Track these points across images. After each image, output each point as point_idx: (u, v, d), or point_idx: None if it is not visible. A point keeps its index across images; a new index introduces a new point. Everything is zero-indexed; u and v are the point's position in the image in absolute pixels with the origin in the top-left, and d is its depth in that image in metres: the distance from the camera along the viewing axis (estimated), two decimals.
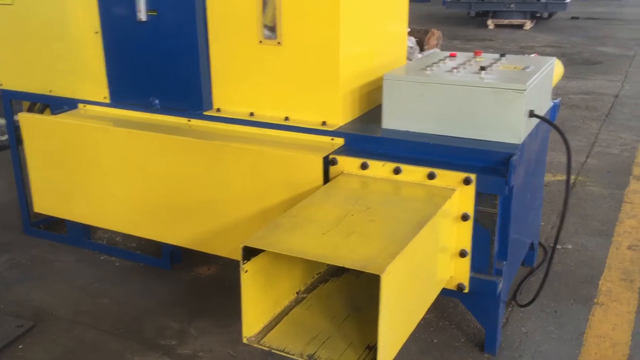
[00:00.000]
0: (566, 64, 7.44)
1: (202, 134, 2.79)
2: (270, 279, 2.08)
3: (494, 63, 2.69)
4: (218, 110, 2.88)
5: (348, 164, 2.46)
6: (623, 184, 4.29)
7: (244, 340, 2.01)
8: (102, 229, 3.45)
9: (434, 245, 2.20)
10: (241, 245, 1.91)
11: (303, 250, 1.89)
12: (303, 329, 2.08)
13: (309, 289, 2.31)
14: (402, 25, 3.13)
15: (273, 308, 2.13)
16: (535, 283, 2.89)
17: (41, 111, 3.49)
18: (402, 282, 1.92)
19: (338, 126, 2.64)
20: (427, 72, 2.55)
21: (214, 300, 2.97)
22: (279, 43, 2.65)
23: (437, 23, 12.22)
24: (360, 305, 2.24)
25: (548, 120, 2.55)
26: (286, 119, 2.73)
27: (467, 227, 2.34)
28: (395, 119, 2.55)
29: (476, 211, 2.32)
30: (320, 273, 2.38)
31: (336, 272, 2.40)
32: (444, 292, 2.42)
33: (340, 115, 2.64)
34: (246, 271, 1.94)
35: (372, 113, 2.81)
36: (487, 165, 2.31)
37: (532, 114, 2.42)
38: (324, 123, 2.65)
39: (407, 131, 2.53)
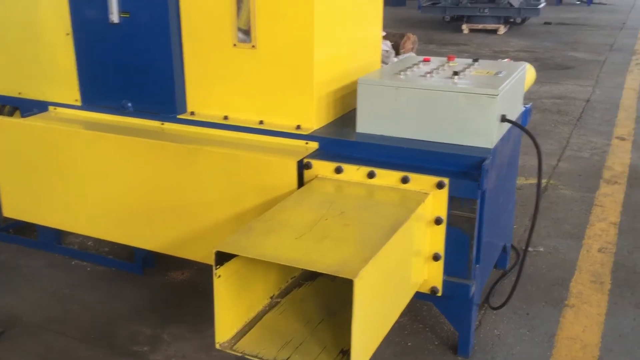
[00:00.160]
0: (539, 69, 7.55)
1: (176, 138, 2.76)
2: (243, 284, 2.06)
3: (467, 68, 2.72)
4: (192, 113, 2.86)
5: (322, 168, 2.46)
6: (593, 187, 4.37)
7: (217, 346, 2.00)
8: (73, 233, 3.40)
9: (407, 249, 2.21)
10: (214, 250, 1.89)
11: (276, 254, 1.89)
12: (277, 334, 2.07)
13: (283, 293, 2.30)
14: (376, 29, 3.14)
15: (246, 313, 2.12)
16: (508, 285, 2.92)
17: (10, 114, 3.42)
18: (376, 286, 1.92)
19: (312, 130, 2.64)
20: (401, 76, 2.57)
21: (188, 305, 2.94)
22: (253, 46, 2.64)
23: (413, 27, 12.31)
24: (334, 309, 2.24)
25: (519, 125, 2.58)
26: (260, 122, 2.72)
27: (441, 230, 2.35)
28: (370, 123, 2.56)
29: (450, 215, 2.33)
30: (294, 277, 2.37)
31: (311, 276, 2.39)
32: (418, 295, 2.43)
33: (315, 119, 2.64)
34: (219, 276, 1.93)
35: (346, 117, 2.81)
36: (460, 169, 2.33)
37: (504, 119, 2.45)
38: (298, 127, 2.65)
39: (382, 135, 2.53)
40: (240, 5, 2.60)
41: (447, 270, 2.41)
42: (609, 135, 5.59)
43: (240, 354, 1.98)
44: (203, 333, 2.70)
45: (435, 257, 2.38)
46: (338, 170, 2.44)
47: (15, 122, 3.09)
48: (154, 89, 2.85)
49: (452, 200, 2.31)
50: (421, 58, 2.94)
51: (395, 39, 7.28)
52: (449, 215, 2.33)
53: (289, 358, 1.96)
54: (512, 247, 3.42)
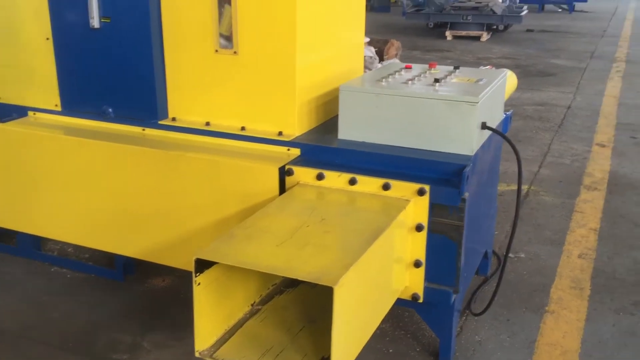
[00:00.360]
0: (521, 76, 7.64)
1: (157, 144, 2.74)
2: (224, 291, 2.05)
3: (448, 75, 2.73)
4: (173, 119, 2.85)
5: (304, 174, 2.46)
6: (574, 194, 4.41)
7: (197, 354, 1.98)
8: (53, 240, 3.36)
9: (388, 256, 2.22)
10: (193, 258, 1.88)
11: (256, 262, 1.88)
12: (257, 342, 2.06)
13: (264, 301, 2.29)
14: (359, 36, 3.15)
15: (227, 320, 2.11)
16: (489, 292, 2.93)
17: None
18: (356, 293, 1.92)
19: (294, 136, 2.63)
20: (383, 83, 2.57)
21: (169, 312, 2.92)
22: (235, 52, 2.63)
23: (397, 33, 12.38)
24: (315, 316, 2.23)
25: (499, 132, 2.60)
26: (242, 128, 2.71)
27: (422, 237, 2.36)
28: (351, 129, 2.56)
29: (436, 223, 2.34)
30: (275, 284, 2.37)
31: (292, 283, 2.38)
32: (399, 302, 2.44)
33: (297, 125, 2.64)
34: (199, 284, 1.92)
35: (328, 123, 2.82)
36: (441, 176, 2.34)
37: (484, 126, 2.46)
38: (280, 133, 2.65)
39: (363, 142, 2.54)
40: (222, 11, 2.60)
41: (431, 277, 2.41)
42: (590, 142, 5.65)
43: None
44: (183, 341, 2.68)
45: (417, 264, 2.39)
46: (320, 177, 2.43)
47: None
48: (135, 94, 2.83)
49: (440, 208, 2.31)
50: (403, 65, 2.96)
51: (379, 45, 7.32)
52: (432, 223, 2.34)
53: None
54: (494, 253, 3.44)
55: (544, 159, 5.19)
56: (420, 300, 2.43)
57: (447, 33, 12.58)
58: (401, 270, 2.36)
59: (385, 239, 2.10)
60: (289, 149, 2.60)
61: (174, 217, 2.69)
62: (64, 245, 3.47)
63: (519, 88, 5.99)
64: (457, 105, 2.36)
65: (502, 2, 13.04)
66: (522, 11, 12.50)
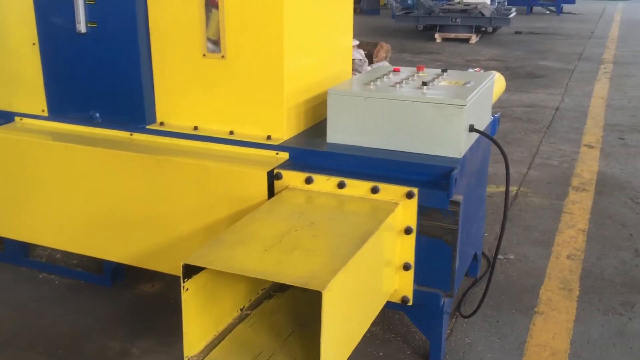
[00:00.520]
0: (509, 78, 7.69)
1: (145, 148, 2.73)
2: (212, 297, 2.04)
3: (436, 78, 2.74)
4: (161, 124, 2.84)
5: (293, 178, 2.46)
6: (562, 195, 4.44)
7: None
8: (40, 246, 3.33)
9: (377, 259, 2.22)
10: (181, 263, 1.87)
11: (245, 267, 1.87)
12: (246, 347, 2.06)
13: (253, 306, 2.28)
14: (347, 39, 3.16)
15: (216, 326, 2.10)
16: (479, 293, 2.94)
17: None
18: (345, 297, 1.92)
19: (283, 140, 2.63)
20: (371, 87, 2.58)
21: (158, 318, 2.90)
22: (222, 57, 2.63)
23: (387, 36, 12.42)
24: (305, 321, 2.23)
25: (487, 135, 2.61)
26: (231, 133, 2.70)
27: (411, 240, 2.36)
28: (340, 133, 2.56)
29: (428, 226, 2.34)
30: (264, 289, 2.36)
31: (281, 288, 2.38)
32: (389, 305, 2.44)
33: (285, 129, 2.64)
34: (187, 289, 1.91)
35: (317, 127, 2.82)
36: (429, 179, 2.34)
37: (472, 129, 2.47)
38: (268, 137, 2.64)
39: (352, 145, 2.54)
40: (209, 15, 2.59)
41: (422, 280, 2.41)
42: (578, 143, 5.69)
43: None
44: (173, 346, 2.66)
45: (406, 267, 2.39)
46: (308, 181, 2.43)
47: None
48: (123, 99, 2.82)
49: (434, 212, 2.31)
50: (391, 68, 2.96)
51: (369, 48, 7.33)
52: (426, 226, 2.33)
53: None
54: (483, 254, 3.45)
55: (532, 160, 5.22)
56: (410, 303, 2.43)
57: (437, 35, 12.64)
58: (390, 273, 2.36)
59: (373, 242, 2.10)
60: (277, 153, 2.60)
61: (163, 223, 2.67)
62: (52, 251, 3.44)
63: (507, 90, 6.03)
64: (445, 108, 2.37)
65: (491, 4, 13.12)
66: (511, 13, 12.58)
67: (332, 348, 1.84)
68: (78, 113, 2.93)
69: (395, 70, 2.91)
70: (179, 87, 2.76)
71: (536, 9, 18.44)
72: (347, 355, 2.02)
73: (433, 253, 2.37)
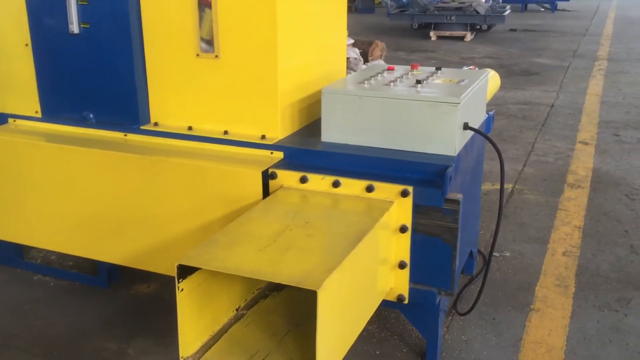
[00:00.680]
0: (504, 75, 7.69)
1: (139, 149, 2.72)
2: (208, 297, 2.04)
3: (430, 76, 2.74)
4: (155, 124, 2.83)
5: (287, 177, 2.45)
6: (558, 192, 4.44)
7: None
8: (35, 247, 3.32)
9: (372, 258, 2.21)
10: (175, 264, 1.87)
11: (239, 267, 1.87)
12: (242, 347, 2.05)
13: (249, 305, 2.28)
14: (341, 38, 3.15)
15: (211, 326, 2.10)
16: (475, 291, 2.94)
17: None
18: (340, 296, 1.92)
19: (277, 140, 2.63)
20: (365, 85, 2.57)
21: (154, 318, 2.90)
22: (216, 56, 2.62)
23: (382, 34, 12.41)
24: (300, 320, 2.23)
25: (481, 132, 2.61)
26: (225, 133, 2.70)
27: (406, 238, 2.36)
28: (334, 132, 2.56)
29: (424, 224, 2.33)
30: (260, 288, 2.36)
31: (276, 287, 2.38)
32: (385, 303, 2.44)
33: (280, 128, 2.63)
34: (182, 290, 1.90)
35: (312, 126, 2.81)
36: (424, 177, 2.34)
37: (466, 126, 2.47)
38: (263, 137, 2.64)
39: (346, 144, 2.54)
40: (202, 15, 2.59)
41: (419, 279, 2.40)
42: (573, 140, 5.70)
43: None
44: (169, 347, 2.66)
45: (401, 265, 2.39)
46: (303, 180, 2.43)
47: None
48: (116, 99, 2.81)
49: (433, 210, 2.30)
50: (385, 66, 2.96)
51: (364, 47, 7.33)
52: (425, 225, 2.33)
53: None
54: (479, 252, 3.46)
55: (527, 157, 5.23)
56: (406, 302, 2.43)
57: (432, 33, 12.64)
58: (386, 271, 2.36)
59: (368, 241, 2.10)
60: (272, 153, 2.60)
61: (157, 223, 2.67)
62: (47, 252, 3.43)
63: (502, 87, 6.03)
64: (439, 106, 2.36)
65: (486, 2, 13.13)
66: (505, 11, 12.58)
67: (328, 347, 1.84)
68: (72, 114, 2.92)
69: (389, 69, 2.91)
70: (173, 87, 2.75)
71: (531, 6, 18.46)
72: (343, 354, 2.02)
73: (433, 252, 2.36)
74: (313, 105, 2.83)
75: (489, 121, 3.06)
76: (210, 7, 2.56)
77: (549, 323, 2.86)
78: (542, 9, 18.28)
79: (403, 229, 2.35)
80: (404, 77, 2.74)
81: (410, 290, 2.42)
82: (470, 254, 3.21)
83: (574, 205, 4.20)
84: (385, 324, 2.85)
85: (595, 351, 2.67)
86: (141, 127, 2.81)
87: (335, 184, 2.39)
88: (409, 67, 2.95)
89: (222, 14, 2.56)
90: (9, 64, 3.00)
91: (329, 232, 2.13)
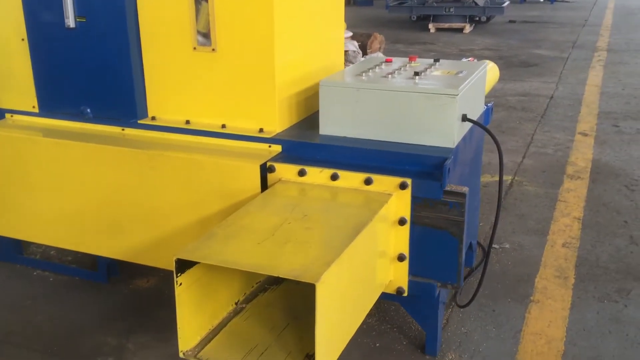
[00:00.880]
0: (503, 67, 7.67)
1: (137, 143, 2.72)
2: (206, 291, 2.04)
3: (428, 68, 2.73)
4: (153, 118, 2.82)
5: (286, 171, 2.45)
6: (557, 183, 4.44)
7: (181, 355, 1.97)
8: (34, 243, 3.32)
9: (371, 251, 2.21)
10: (174, 258, 1.86)
11: (238, 260, 1.87)
12: (241, 340, 2.05)
13: (248, 299, 2.28)
14: (338, 30, 3.14)
15: (210, 320, 2.10)
16: (475, 283, 2.94)
17: None
18: (339, 289, 1.91)
19: (275, 133, 2.62)
20: (363, 77, 2.56)
21: (154, 313, 2.90)
22: (213, 50, 2.61)
23: (380, 27, 12.38)
24: (300, 313, 2.23)
25: (480, 124, 2.60)
26: (223, 126, 2.69)
27: (405, 231, 2.36)
28: (332, 124, 2.55)
29: (429, 217, 2.32)
30: (259, 282, 2.35)
31: (276, 281, 2.38)
32: (384, 296, 2.44)
33: (278, 122, 2.62)
34: (180, 284, 1.90)
35: (310, 119, 2.80)
36: (422, 169, 2.34)
37: (464, 118, 2.46)
38: (261, 130, 2.63)
39: (345, 137, 2.53)
40: (199, 8, 2.57)
41: (427, 273, 2.39)
42: (572, 131, 5.69)
43: None
44: (169, 342, 2.66)
45: (400, 258, 2.38)
46: (301, 173, 2.42)
47: None
48: (114, 94, 2.80)
49: (439, 204, 2.29)
50: (384, 58, 2.95)
51: (363, 39, 7.31)
52: (430, 218, 2.32)
53: None
54: (478, 244, 3.45)
55: (527, 149, 5.22)
56: (405, 294, 2.43)
57: (430, 25, 12.60)
58: (385, 264, 2.36)
59: (367, 233, 2.09)
60: (270, 146, 2.59)
61: (156, 217, 2.66)
62: (47, 248, 3.43)
63: (501, 79, 6.01)
64: (437, 98, 2.35)
65: None
66: (504, 2, 12.54)
67: (327, 340, 1.84)
68: (69, 109, 2.91)
69: (387, 61, 2.89)
70: (170, 81, 2.74)
71: None
72: (342, 347, 2.02)
73: (438, 245, 2.35)
74: (311, 98, 2.82)
75: (487, 113, 3.05)
76: (206, 0, 2.55)
77: (548, 314, 2.86)
78: (541, 0, 18.22)
79: (402, 222, 2.34)
80: (402, 69, 2.73)
81: (410, 282, 2.42)
82: (470, 246, 3.21)
83: (573, 197, 4.19)
84: (385, 317, 2.85)
85: (595, 342, 2.67)
86: (138, 122, 2.80)
87: (334, 177, 2.38)
88: (407, 59, 2.94)
89: (218, 7, 2.54)
90: (5, 59, 2.99)
91: (328, 225, 2.12)
